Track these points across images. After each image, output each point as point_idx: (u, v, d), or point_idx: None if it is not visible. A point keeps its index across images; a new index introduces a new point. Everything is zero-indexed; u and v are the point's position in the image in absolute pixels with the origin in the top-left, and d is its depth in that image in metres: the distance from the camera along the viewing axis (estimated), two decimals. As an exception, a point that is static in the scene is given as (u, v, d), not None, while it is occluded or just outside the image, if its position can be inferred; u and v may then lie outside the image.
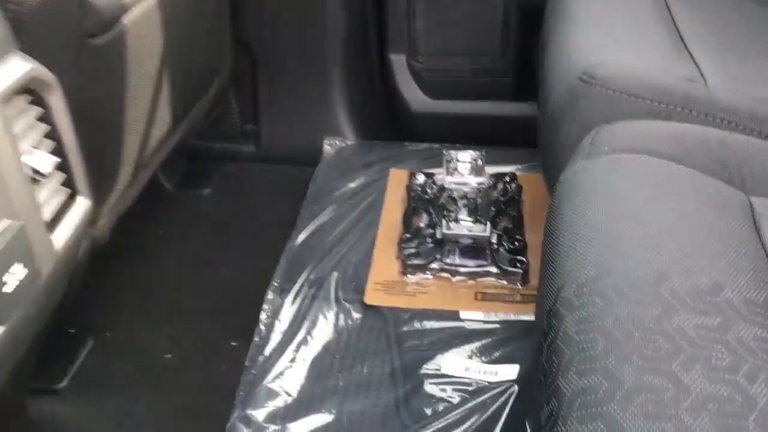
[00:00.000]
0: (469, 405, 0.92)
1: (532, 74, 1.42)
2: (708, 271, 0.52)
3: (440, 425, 0.89)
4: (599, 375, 0.46)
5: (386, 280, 1.13)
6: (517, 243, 1.14)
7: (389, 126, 1.55)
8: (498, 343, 1.01)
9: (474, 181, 1.25)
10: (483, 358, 0.99)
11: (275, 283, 1.14)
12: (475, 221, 1.14)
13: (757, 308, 0.49)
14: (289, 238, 1.23)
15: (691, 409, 0.43)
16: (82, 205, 0.72)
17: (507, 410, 0.91)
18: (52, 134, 0.68)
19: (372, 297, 1.10)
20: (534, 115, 1.19)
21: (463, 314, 1.06)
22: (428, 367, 0.98)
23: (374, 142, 1.50)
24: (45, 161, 0.65)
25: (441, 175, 1.27)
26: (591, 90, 0.76)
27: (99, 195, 0.92)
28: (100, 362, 1.07)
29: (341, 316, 1.08)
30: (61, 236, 0.68)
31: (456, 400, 0.93)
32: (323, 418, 0.93)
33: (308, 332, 1.05)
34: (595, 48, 0.87)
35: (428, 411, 0.92)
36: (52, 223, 0.68)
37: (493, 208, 1.19)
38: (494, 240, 1.12)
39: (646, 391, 0.44)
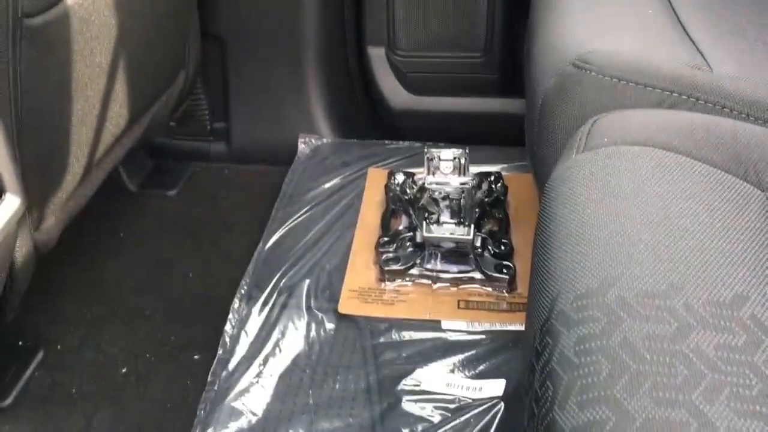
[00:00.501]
0: (451, 424, 0.84)
1: (519, 69, 1.35)
2: (728, 281, 0.45)
3: (419, 448, 0.81)
4: (604, 407, 0.39)
5: (362, 287, 1.05)
6: (503, 247, 1.06)
7: (368, 123, 1.47)
8: (483, 355, 0.93)
9: (457, 180, 1.17)
10: (466, 373, 0.91)
11: (242, 291, 1.06)
12: (458, 223, 1.06)
13: (788, 325, 0.42)
14: (259, 241, 1.15)
15: (716, 450, 0.36)
16: (10, 204, 0.63)
17: (492, 430, 0.84)
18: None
19: (346, 305, 1.02)
20: (521, 112, 1.11)
21: (444, 324, 0.98)
22: (406, 383, 0.90)
23: (352, 140, 1.42)
24: (-40, 154, 0.56)
25: (422, 175, 1.19)
26: (585, 77, 0.69)
27: (42, 195, 0.83)
28: (51, 377, 0.98)
29: (313, 327, 0.99)
30: (-18, 240, 0.59)
31: (436, 419, 0.85)
32: (291, 439, 0.84)
33: (276, 344, 0.97)
34: (588, 34, 0.79)
35: (406, 431, 0.84)
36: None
37: (477, 210, 1.11)
38: (478, 244, 1.04)
39: (662, 428, 0.37)
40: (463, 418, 0.84)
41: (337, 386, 0.90)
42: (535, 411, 0.44)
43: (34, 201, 0.79)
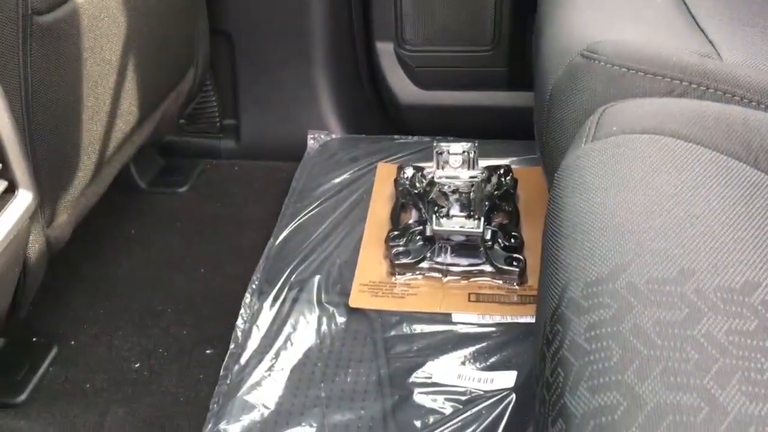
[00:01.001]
0: (463, 416, 0.84)
1: (527, 63, 1.35)
2: (739, 267, 0.44)
3: (431, 439, 0.82)
4: (615, 392, 0.39)
5: (373, 281, 1.05)
6: (513, 240, 1.06)
7: (377, 118, 1.47)
8: (493, 347, 0.93)
9: (466, 174, 1.17)
10: (477, 365, 0.91)
11: (253, 286, 1.06)
12: (468, 217, 1.06)
13: (800, 309, 0.41)
14: (270, 237, 1.15)
15: (729, 434, 0.36)
16: (22, 199, 0.64)
17: (504, 421, 0.84)
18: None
19: (357, 299, 1.02)
20: (530, 105, 1.11)
21: (455, 317, 0.98)
22: (418, 375, 0.90)
23: (361, 136, 1.42)
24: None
25: (431, 169, 1.19)
26: (594, 67, 0.69)
27: (53, 191, 0.84)
28: (65, 373, 0.99)
29: (324, 321, 1.00)
30: (-4, 235, 0.60)
31: (448, 410, 0.85)
32: (304, 431, 0.85)
33: (288, 338, 0.97)
34: (597, 25, 0.79)
35: (418, 423, 0.84)
36: (-15, 221, 0.60)
37: (486, 203, 1.11)
38: (488, 237, 1.04)
39: (674, 413, 0.37)
40: (474, 410, 0.84)
41: (348, 379, 0.91)
42: (546, 397, 0.44)
43: (47, 197, 0.80)
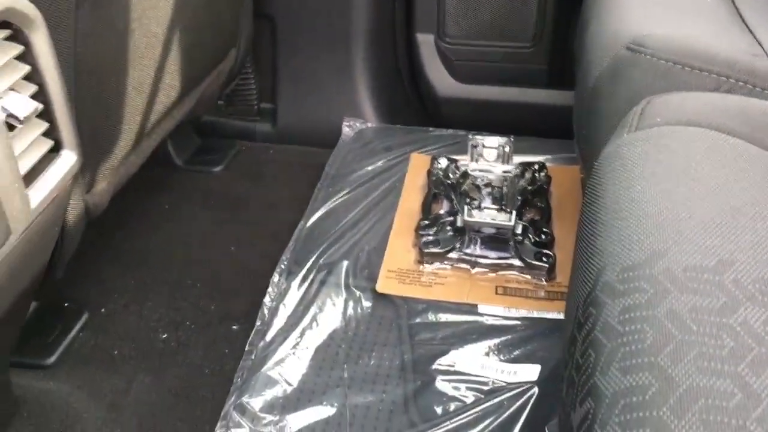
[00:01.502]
0: (484, 405, 0.84)
1: (567, 61, 1.34)
2: (780, 259, 0.44)
3: (451, 426, 0.82)
4: (647, 373, 0.38)
5: (401, 269, 1.05)
6: (543, 236, 1.05)
7: (413, 109, 1.47)
8: (518, 341, 0.93)
9: (500, 168, 1.17)
10: (501, 356, 0.91)
11: (282, 266, 1.07)
12: (500, 210, 1.05)
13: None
14: (300, 219, 1.16)
15: (761, 421, 0.35)
16: (67, 159, 0.65)
17: (525, 413, 0.83)
18: (34, 77, 0.61)
19: (384, 285, 1.02)
20: (567, 104, 1.10)
21: (481, 308, 0.98)
22: (441, 363, 0.90)
23: (396, 126, 1.42)
24: (22, 105, 0.58)
25: (465, 161, 1.19)
26: (640, 60, 0.68)
27: (95, 157, 0.85)
28: (94, 339, 1.01)
29: (350, 304, 1.00)
30: (40, 193, 0.61)
31: (470, 399, 0.85)
32: (325, 410, 0.85)
33: (314, 319, 0.98)
34: (643, 20, 0.78)
35: (439, 410, 0.84)
36: (30, 177, 0.61)
37: (519, 198, 1.10)
38: (519, 231, 1.04)
39: (706, 396, 0.36)
40: (496, 400, 0.84)
41: (371, 362, 0.91)
42: (576, 379, 0.44)
43: (87, 163, 0.81)
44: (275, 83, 1.45)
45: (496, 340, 0.93)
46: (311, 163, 1.36)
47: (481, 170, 1.17)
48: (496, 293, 1.01)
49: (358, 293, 1.02)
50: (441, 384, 0.88)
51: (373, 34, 1.40)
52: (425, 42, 1.42)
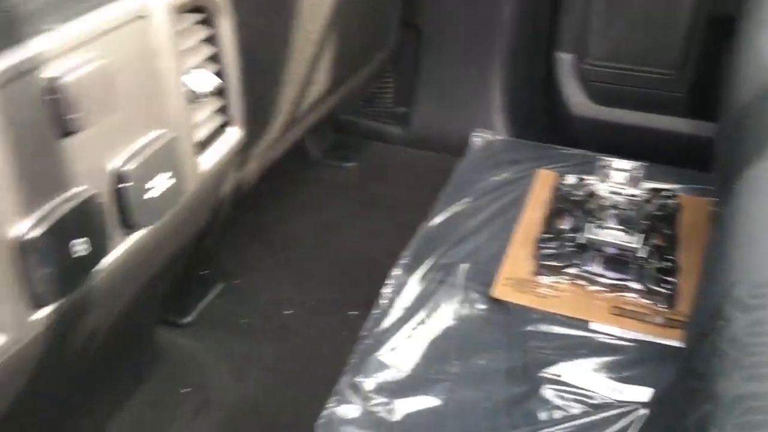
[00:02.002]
0: (590, 419, 0.84)
1: (711, 91, 1.31)
2: None
3: (554, 432, 0.83)
4: (770, 382, 0.39)
5: (517, 277, 1.07)
6: (668, 262, 1.04)
7: (544, 126, 1.48)
8: (630, 362, 0.93)
9: (629, 192, 1.16)
10: (611, 374, 0.91)
11: (403, 261, 1.12)
12: (625, 232, 1.05)
13: None
14: (424, 220, 1.21)
15: None
16: (233, 134, 0.72)
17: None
18: (215, 59, 0.68)
19: (500, 291, 1.05)
20: (706, 135, 1.09)
21: (594, 325, 0.99)
22: (548, 372, 0.91)
23: (525, 141, 1.44)
24: (205, 83, 0.66)
25: (593, 181, 1.19)
26: (791, 89, 0.68)
27: (250, 137, 0.93)
28: (226, 307, 1.09)
29: (465, 305, 1.03)
30: (209, 160, 0.69)
31: (575, 410, 0.86)
32: (432, 400, 0.89)
33: (429, 314, 1.01)
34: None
35: (543, 416, 0.86)
36: (202, 147, 0.69)
37: (645, 222, 1.10)
38: (642, 254, 1.04)
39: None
40: (602, 415, 0.84)
41: (480, 362, 0.94)
42: (695, 386, 0.45)
43: (242, 143, 0.89)
44: (412, 89, 1.50)
45: (607, 358, 0.93)
46: (439, 168, 1.40)
47: (609, 192, 1.17)
48: (612, 313, 1.01)
49: (473, 296, 1.04)
50: (547, 391, 0.89)
51: (514, 50, 1.43)
52: (565, 61, 1.43)
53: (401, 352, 0.95)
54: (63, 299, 0.54)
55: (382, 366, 0.93)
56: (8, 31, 0.47)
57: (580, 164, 1.35)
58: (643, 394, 0.88)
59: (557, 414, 0.86)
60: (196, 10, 0.64)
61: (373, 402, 0.89)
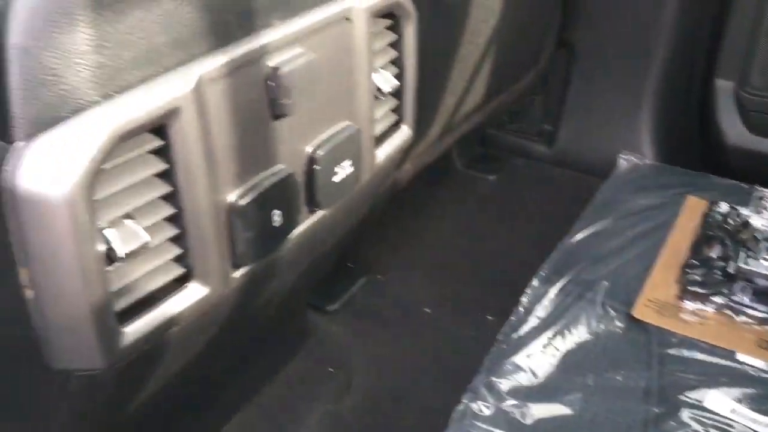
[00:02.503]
0: (730, 448, 0.83)
1: None
2: None
3: (692, 456, 0.82)
4: None
5: (660, 300, 1.07)
6: (825, 300, 1.00)
7: (695, 153, 1.45)
8: (776, 397, 0.90)
9: (786, 225, 1.13)
10: (756, 406, 0.88)
11: (543, 273, 1.14)
12: (779, 265, 1.02)
13: None
14: (566, 234, 1.22)
15: None
16: (404, 133, 0.78)
17: (773, 469, 0.81)
18: (395, 62, 0.74)
19: (641, 312, 1.04)
20: None
21: (740, 356, 0.96)
22: (688, 396, 0.90)
23: (675, 167, 1.42)
24: (388, 83, 0.72)
25: (747, 212, 1.16)
26: None
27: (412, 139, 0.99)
28: (369, 299, 1.16)
29: (604, 322, 1.04)
30: (383, 153, 0.75)
31: (715, 437, 0.85)
32: (564, 409, 0.90)
33: (566, 326, 1.03)
34: None
35: (680, 439, 0.85)
36: (378, 141, 0.75)
37: (803, 258, 1.06)
38: (798, 290, 1.00)
39: None
40: (744, 445, 0.83)
41: (617, 377, 0.94)
42: None
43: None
44: (560, 107, 1.52)
45: (752, 390, 0.91)
46: (581, 187, 1.41)
47: (763, 224, 1.14)
48: (759, 346, 0.98)
49: (612, 313, 1.05)
50: (685, 416, 0.88)
51: (669, 73, 1.41)
52: (723, 88, 1.40)
53: (537, 359, 0.97)
54: (257, 263, 0.61)
55: (518, 369, 0.96)
56: (244, 24, 0.54)
57: (732, 194, 1.31)
58: (789, 430, 0.85)
59: (696, 438, 0.85)
60: (387, 15, 0.71)
61: (507, 402, 0.92)
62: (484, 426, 0.90)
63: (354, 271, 1.20)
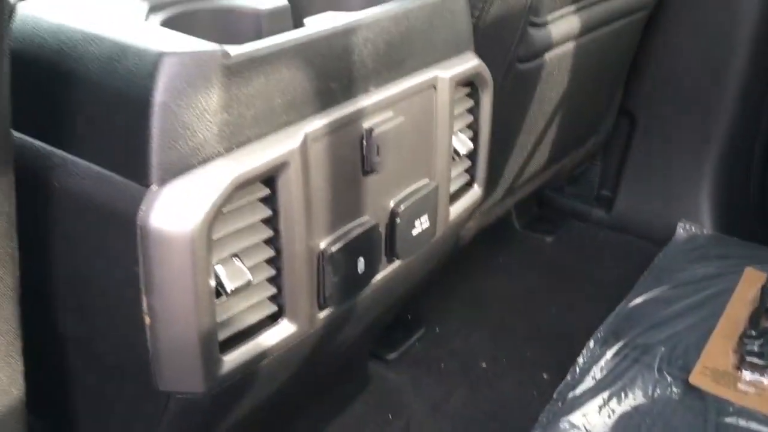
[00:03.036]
0: None
1: None
2: None
3: None
4: None
5: (717, 368, 1.08)
6: None
7: (755, 225, 1.46)
8: (836, 472, 0.90)
9: None
10: (816, 480, 0.88)
11: (599, 335, 1.16)
12: (840, 340, 1.02)
13: None
14: (624, 299, 1.24)
15: None
16: (475, 192, 0.83)
17: None
18: (471, 126, 0.80)
19: (698, 379, 1.05)
20: None
21: (799, 430, 0.96)
22: (746, 466, 0.91)
23: (734, 238, 1.43)
24: (464, 145, 0.78)
25: (808, 286, 1.17)
26: None
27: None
28: (427, 350, 1.19)
29: (660, 386, 1.05)
30: (456, 211, 0.80)
31: (773, 508, 0.85)
32: (620, 470, 0.92)
33: (623, 389, 1.04)
34: None
35: (737, 507, 0.86)
36: (452, 198, 0.80)
37: None
38: None
39: None
40: None
41: (673, 443, 0.95)
42: None
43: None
44: (619, 174, 1.55)
45: (811, 464, 0.91)
46: (639, 253, 1.43)
47: (824, 298, 1.14)
48: (820, 420, 0.98)
49: (669, 379, 1.06)
50: (742, 485, 0.89)
51: (730, 142, 1.43)
52: (785, 162, 1.42)
53: (592, 418, 0.99)
54: (340, 305, 0.66)
55: (573, 427, 0.98)
56: (345, 90, 0.61)
57: (792, 269, 1.32)
58: None
59: (753, 507, 0.85)
60: (467, 84, 0.77)
61: (563, 459, 0.93)
62: (540, 481, 0.92)
63: (413, 322, 1.24)
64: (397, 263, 0.73)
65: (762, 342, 1.09)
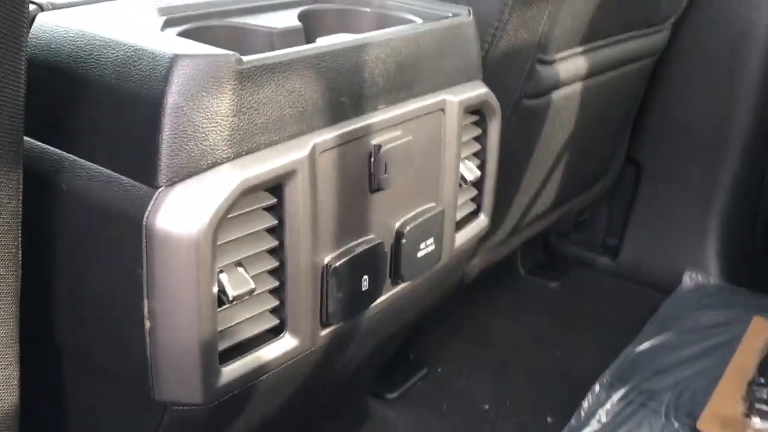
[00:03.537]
0: None
1: None
2: None
3: None
4: None
5: (725, 415, 1.05)
6: None
7: (763, 275, 1.45)
8: None
9: None
10: None
11: (605, 380, 1.14)
12: None
13: None
14: (629, 343, 1.22)
15: None
16: (481, 221, 0.83)
17: None
18: (478, 154, 0.80)
19: (707, 425, 1.03)
20: None
21: (812, 479, 0.93)
22: None
23: (740, 288, 1.42)
24: (471, 172, 0.78)
25: (817, 335, 1.15)
26: None
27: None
28: (429, 390, 1.17)
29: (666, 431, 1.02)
30: (462, 238, 0.80)
31: None
32: None
33: (628, 433, 1.02)
34: None
35: None
36: (458, 225, 0.80)
37: None
38: None
39: None
40: None
41: (680, 490, 0.92)
42: None
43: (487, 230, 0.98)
44: (626, 221, 1.55)
45: None
46: (644, 301, 1.41)
47: (834, 347, 1.13)
48: (832, 471, 0.95)
49: (677, 424, 1.04)
50: None
51: (736, 191, 1.43)
52: (791, 212, 1.41)
53: (599, 462, 0.96)
54: (343, 323, 0.65)
55: (579, 472, 0.95)
56: (356, 105, 0.62)
57: (801, 320, 1.30)
58: None
59: None
60: (475, 111, 0.78)
61: (567, 503, 0.90)
62: None
63: (414, 362, 1.22)
64: (401, 286, 0.72)
65: (771, 390, 1.07)
